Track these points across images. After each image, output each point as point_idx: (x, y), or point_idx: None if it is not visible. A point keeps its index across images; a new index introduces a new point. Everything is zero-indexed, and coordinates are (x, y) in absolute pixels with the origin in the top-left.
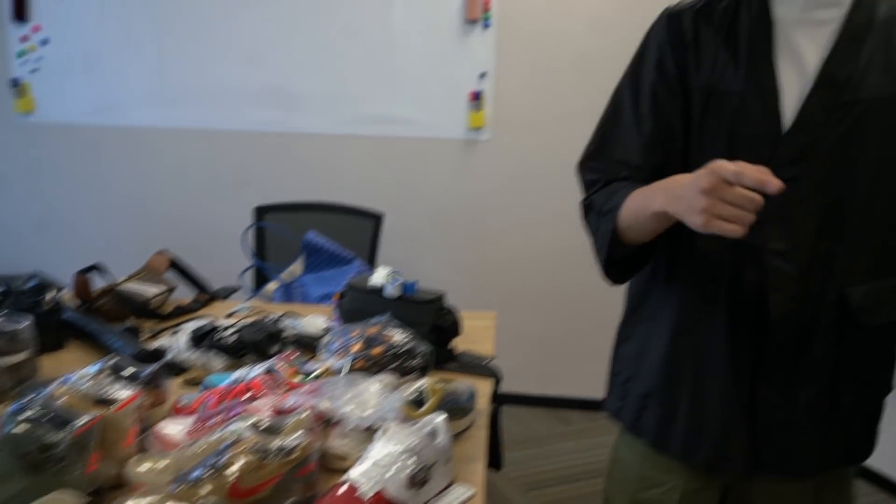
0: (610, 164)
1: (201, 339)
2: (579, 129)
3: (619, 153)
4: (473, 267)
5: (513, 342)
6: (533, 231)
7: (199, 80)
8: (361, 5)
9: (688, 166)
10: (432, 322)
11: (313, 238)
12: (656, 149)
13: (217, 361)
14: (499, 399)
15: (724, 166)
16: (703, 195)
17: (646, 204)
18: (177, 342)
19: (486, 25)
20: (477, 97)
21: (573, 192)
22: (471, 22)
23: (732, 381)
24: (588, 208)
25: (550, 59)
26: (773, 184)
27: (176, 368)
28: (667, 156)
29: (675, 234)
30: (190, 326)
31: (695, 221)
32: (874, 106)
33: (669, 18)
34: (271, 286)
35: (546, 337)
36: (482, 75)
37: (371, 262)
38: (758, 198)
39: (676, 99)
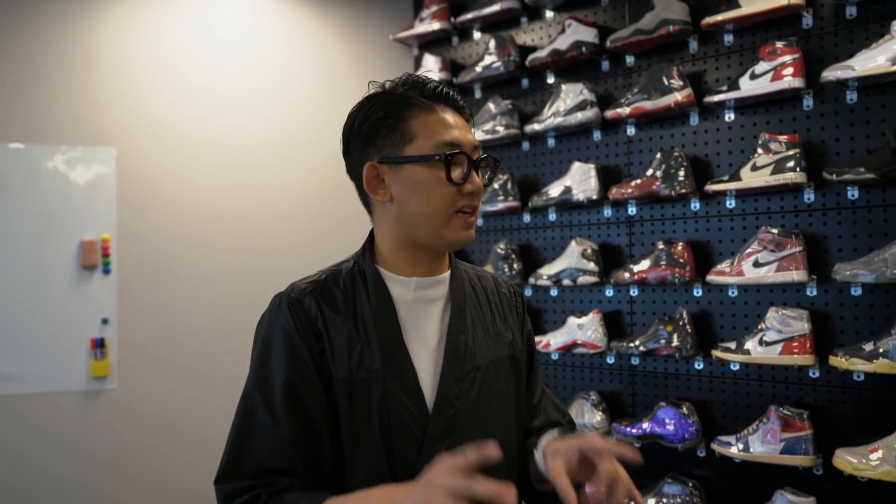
0: (257, 479)
1: None
2: (213, 372)
3: (262, 462)
4: None
5: None
6: (171, 483)
7: None
8: None
9: (342, 458)
10: None
11: None
12: (301, 448)
13: None
14: None
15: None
16: (426, 488)
17: None
18: None
19: (107, 271)
20: (99, 345)
21: (212, 436)
22: (88, 268)
23: None
24: None
25: (176, 302)
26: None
27: None
28: (315, 453)
29: None
30: None
31: None
32: (489, 369)
33: (292, 305)
34: None
35: None
36: (104, 321)
37: None
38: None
39: (316, 391)
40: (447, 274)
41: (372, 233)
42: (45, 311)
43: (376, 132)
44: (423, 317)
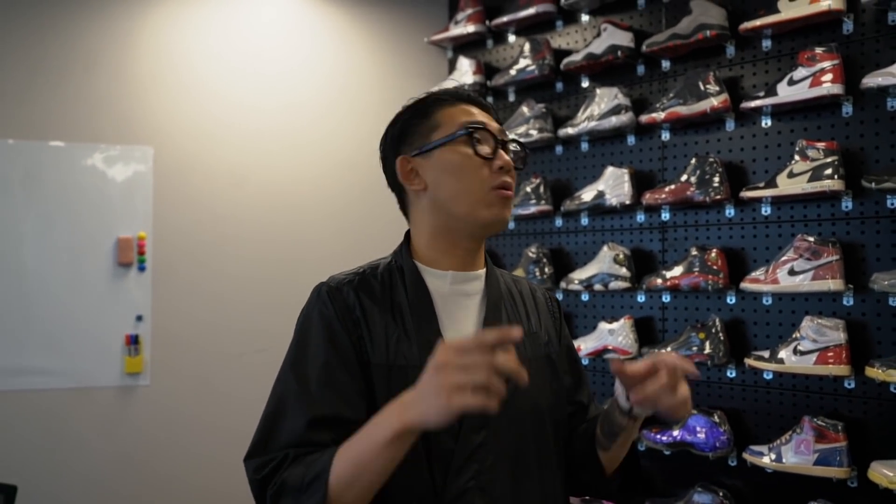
0: (286, 450)
1: None
2: (245, 370)
3: (292, 440)
4: None
5: None
6: (202, 479)
7: None
8: None
9: None
10: None
11: None
12: (329, 425)
13: None
14: None
15: (450, 342)
16: (436, 372)
17: (374, 439)
18: None
19: (142, 269)
20: (133, 341)
21: (244, 434)
22: (124, 265)
23: None
24: (280, 494)
25: (209, 300)
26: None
27: None
28: (342, 435)
29: None
30: None
31: (438, 406)
32: (526, 366)
33: (331, 293)
34: None
35: None
36: (139, 318)
37: None
38: (494, 358)
39: (355, 376)
40: (483, 271)
41: (408, 233)
42: (81, 306)
43: (405, 131)
44: (460, 310)
